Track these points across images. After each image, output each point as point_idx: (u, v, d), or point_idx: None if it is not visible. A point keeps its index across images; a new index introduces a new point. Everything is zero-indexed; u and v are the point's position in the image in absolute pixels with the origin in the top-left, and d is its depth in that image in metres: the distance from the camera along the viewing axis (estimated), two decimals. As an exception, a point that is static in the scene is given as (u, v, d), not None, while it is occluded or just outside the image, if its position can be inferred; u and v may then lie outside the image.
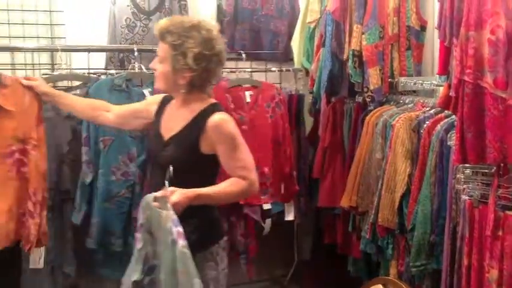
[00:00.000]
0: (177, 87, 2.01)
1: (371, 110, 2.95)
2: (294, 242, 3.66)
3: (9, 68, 2.95)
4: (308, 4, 3.36)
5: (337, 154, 3.15)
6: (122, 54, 3.34)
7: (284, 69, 3.46)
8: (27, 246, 2.28)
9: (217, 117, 1.98)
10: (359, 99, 3.13)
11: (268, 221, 3.14)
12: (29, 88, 2.31)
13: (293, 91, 3.40)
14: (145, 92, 2.77)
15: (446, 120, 2.43)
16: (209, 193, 1.92)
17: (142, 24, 3.38)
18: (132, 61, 3.29)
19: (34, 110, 2.32)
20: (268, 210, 3.08)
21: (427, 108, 2.66)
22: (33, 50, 2.99)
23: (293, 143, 3.19)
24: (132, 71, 2.79)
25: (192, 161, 1.98)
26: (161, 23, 2.00)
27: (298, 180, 3.18)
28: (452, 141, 2.22)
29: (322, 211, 3.32)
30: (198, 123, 1.99)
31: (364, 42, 2.93)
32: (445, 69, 2.36)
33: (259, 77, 3.25)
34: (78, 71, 2.86)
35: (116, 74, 2.82)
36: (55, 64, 3.12)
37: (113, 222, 2.64)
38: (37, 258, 2.46)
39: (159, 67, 2.02)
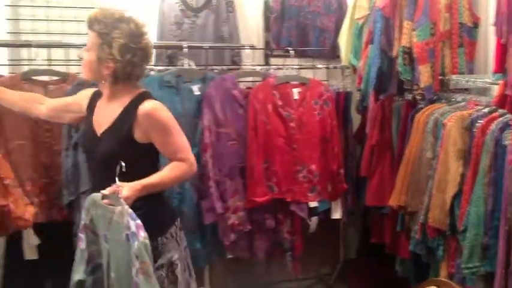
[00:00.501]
0: (101, 77, 2.01)
1: (421, 108, 2.88)
2: (340, 241, 3.63)
3: (63, 64, 3.01)
4: (356, 0, 3.32)
5: (386, 152, 3.10)
6: (170, 51, 3.38)
7: (331, 66, 3.43)
8: None
9: (147, 105, 1.99)
10: (408, 96, 3.07)
11: (315, 219, 3.13)
12: None
13: (340, 88, 3.37)
14: (194, 88, 2.80)
15: (501, 119, 2.36)
16: (154, 182, 1.95)
17: (190, 21, 3.41)
18: (180, 57, 3.35)
19: None
20: (315, 208, 3.07)
21: (481, 107, 2.59)
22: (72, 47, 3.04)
23: (340, 140, 3.16)
24: (181, 67, 2.81)
25: (129, 152, 1.96)
26: (92, 12, 2.01)
27: (346, 178, 3.15)
28: (509, 140, 2.16)
29: (370, 210, 3.28)
30: (129, 114, 1.99)
31: (414, 39, 2.87)
32: (501, 67, 2.29)
33: (305, 74, 3.23)
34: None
35: (165, 70, 2.87)
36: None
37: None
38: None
39: (86, 55, 2.02)
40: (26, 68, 2.81)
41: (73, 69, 2.92)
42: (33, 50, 2.80)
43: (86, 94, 2.19)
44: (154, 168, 2.02)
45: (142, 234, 1.73)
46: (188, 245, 2.75)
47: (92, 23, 1.97)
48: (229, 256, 2.95)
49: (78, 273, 1.93)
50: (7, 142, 2.43)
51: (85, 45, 2.03)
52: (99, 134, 2.03)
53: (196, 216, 2.80)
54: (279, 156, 2.88)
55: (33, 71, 2.58)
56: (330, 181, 3.03)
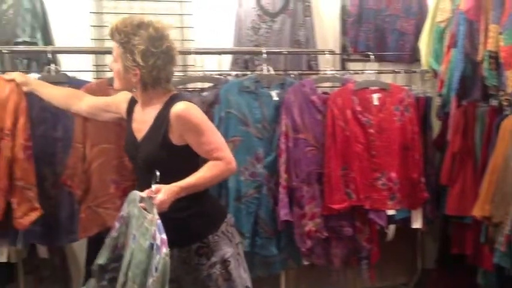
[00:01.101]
0: (131, 85, 2.04)
1: (507, 115, 2.77)
2: (418, 250, 3.53)
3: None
4: (438, 3, 3.23)
5: (468, 160, 2.99)
6: (246, 56, 3.41)
7: (412, 70, 3.35)
8: None
9: (178, 107, 1.99)
10: (494, 103, 2.95)
11: (392, 227, 3.06)
12: (9, 82, 2.41)
13: (420, 93, 3.28)
14: (273, 93, 2.80)
15: None
16: (191, 182, 1.95)
17: (266, 26, 3.43)
18: (256, 63, 3.37)
19: (12, 102, 2.41)
20: (392, 215, 3.00)
21: None
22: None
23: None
24: (260, 72, 2.82)
25: (169, 156, 2.00)
26: (112, 22, 2.02)
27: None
28: None
29: (450, 219, 3.17)
30: (163, 118, 2.01)
31: (501, 43, 2.75)
32: None
33: (383, 79, 3.16)
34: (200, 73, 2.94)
35: (242, 75, 2.89)
36: (186, 65, 3.24)
37: (242, 222, 2.69)
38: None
39: (114, 66, 2.05)
40: (110, 74, 2.90)
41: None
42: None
43: (125, 97, 2.23)
44: (195, 168, 2.03)
45: (165, 250, 1.74)
46: (263, 250, 2.80)
47: (113, 34, 2.00)
48: (306, 263, 2.93)
49: (102, 257, 2.03)
50: (92, 146, 2.51)
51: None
52: (139, 140, 2.08)
53: (272, 221, 2.80)
54: (357, 163, 2.83)
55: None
56: (410, 189, 2.95)
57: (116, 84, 2.08)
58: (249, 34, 3.40)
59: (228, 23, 3.45)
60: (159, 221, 1.78)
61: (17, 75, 2.45)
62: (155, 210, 1.81)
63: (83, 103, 2.35)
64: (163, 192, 1.86)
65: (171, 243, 1.77)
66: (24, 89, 2.42)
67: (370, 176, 2.87)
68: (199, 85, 2.92)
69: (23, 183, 2.41)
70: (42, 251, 2.78)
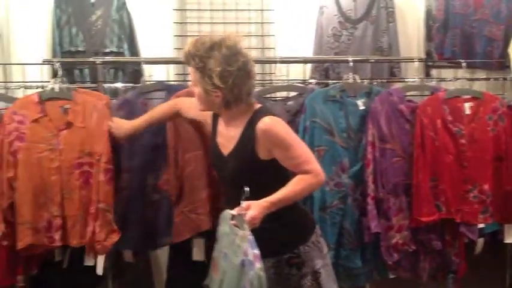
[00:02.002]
0: (215, 106, 2.04)
1: None
2: (507, 264, 3.37)
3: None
4: (530, 7, 3.09)
5: None
6: (326, 64, 3.38)
7: (503, 77, 3.20)
8: (87, 250, 2.53)
9: (263, 122, 1.99)
10: None
11: (481, 240, 2.92)
12: (97, 108, 2.49)
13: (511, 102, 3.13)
14: (359, 102, 2.74)
15: None
16: (281, 197, 1.94)
17: (348, 33, 3.39)
18: (336, 70, 3.33)
19: (101, 128, 2.50)
20: (482, 229, 2.87)
21: None
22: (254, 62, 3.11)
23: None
24: (347, 81, 2.77)
25: (257, 170, 2.01)
26: (185, 47, 2.01)
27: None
28: None
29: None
30: (249, 134, 2.01)
31: None
32: None
33: (470, 86, 3.04)
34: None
35: (323, 83, 2.86)
36: (267, 73, 3.25)
37: (326, 232, 2.65)
38: (99, 264, 2.59)
39: (196, 90, 2.04)
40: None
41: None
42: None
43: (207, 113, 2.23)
44: (284, 181, 2.01)
45: (259, 265, 1.73)
46: (348, 262, 2.75)
47: (187, 59, 2.01)
48: (391, 276, 2.85)
49: (209, 278, 2.07)
50: (185, 152, 2.56)
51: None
52: (225, 155, 2.09)
53: (357, 232, 2.75)
54: (447, 174, 2.73)
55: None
56: (502, 202, 2.81)
57: (200, 107, 2.10)
58: (330, 41, 3.38)
59: (308, 30, 3.44)
60: (250, 237, 1.79)
61: (116, 129, 2.49)
62: (246, 227, 1.82)
63: (182, 111, 2.38)
64: (253, 209, 1.86)
65: (262, 254, 1.77)
66: (124, 134, 2.48)
67: (461, 188, 2.76)
68: (283, 94, 2.91)
69: (104, 205, 2.49)
70: (128, 256, 2.83)
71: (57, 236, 2.50)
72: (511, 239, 2.93)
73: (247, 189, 1.85)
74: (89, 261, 2.66)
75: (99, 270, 2.58)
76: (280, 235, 2.04)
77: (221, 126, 2.15)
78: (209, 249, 2.66)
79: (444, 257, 2.82)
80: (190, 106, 2.33)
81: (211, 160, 2.26)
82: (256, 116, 2.03)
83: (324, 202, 2.68)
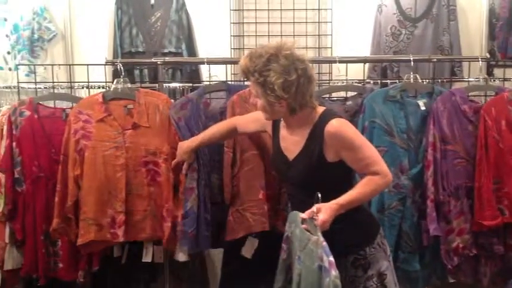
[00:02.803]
0: (280, 114, 2.05)
1: None
2: None
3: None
4: None
5: None
6: (384, 64, 3.33)
7: None
8: (165, 245, 2.63)
9: (331, 125, 1.98)
10: None
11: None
12: (159, 108, 2.57)
13: None
14: (420, 102, 2.69)
15: None
16: (350, 199, 1.94)
17: (407, 32, 3.34)
18: (395, 69, 3.28)
19: (164, 128, 2.58)
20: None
21: None
22: (313, 62, 3.09)
23: None
24: (407, 81, 2.72)
25: (323, 173, 1.99)
26: (241, 62, 2.01)
27: None
28: None
29: None
30: (316, 137, 2.00)
31: None
32: None
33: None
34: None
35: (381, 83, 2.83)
36: (325, 73, 3.24)
37: (386, 235, 2.61)
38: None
39: (259, 101, 2.04)
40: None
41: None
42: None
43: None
44: (350, 183, 2.02)
45: (334, 273, 1.71)
46: (406, 265, 2.70)
47: (246, 75, 2.02)
48: (451, 280, 2.79)
49: (279, 282, 2.05)
50: (242, 152, 2.58)
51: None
52: (290, 159, 2.09)
53: (416, 235, 2.70)
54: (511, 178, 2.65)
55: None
56: None
57: (265, 117, 2.11)
58: (389, 40, 3.33)
59: (365, 29, 3.40)
60: (324, 243, 1.78)
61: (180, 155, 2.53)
62: (319, 232, 1.81)
63: (239, 129, 2.42)
64: (323, 212, 1.86)
65: None
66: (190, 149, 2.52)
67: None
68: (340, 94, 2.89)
69: (172, 204, 2.58)
70: (184, 254, 2.88)
71: (120, 231, 2.58)
72: None
73: (319, 195, 1.86)
74: (147, 258, 2.74)
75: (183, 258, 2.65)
76: (346, 236, 2.03)
77: (284, 131, 2.15)
78: (263, 249, 2.71)
79: (506, 262, 2.74)
80: (247, 121, 2.37)
81: (274, 166, 2.27)
82: (323, 119, 2.03)
83: (383, 204, 2.64)
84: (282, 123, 2.16)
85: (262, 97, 2.00)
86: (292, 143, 2.10)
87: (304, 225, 1.88)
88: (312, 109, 2.05)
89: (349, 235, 2.03)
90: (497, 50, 3.31)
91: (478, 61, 2.73)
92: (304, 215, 1.89)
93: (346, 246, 2.04)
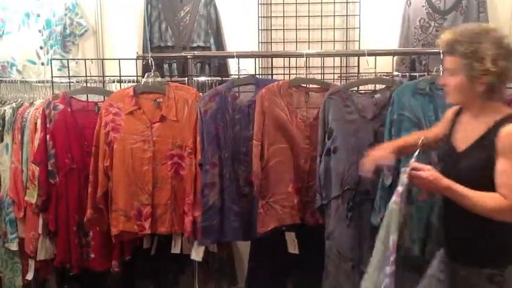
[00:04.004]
0: (474, 96, 1.95)
1: None
2: None
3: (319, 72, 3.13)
4: None
5: None
6: (413, 56, 3.31)
7: None
8: (187, 238, 2.69)
9: (508, 128, 1.88)
10: None
11: None
12: (188, 102, 2.61)
13: None
14: (450, 95, 2.67)
15: None
16: (462, 192, 1.86)
17: (436, 24, 3.30)
18: (423, 62, 3.25)
19: (191, 122, 2.62)
20: None
21: None
22: (341, 55, 3.12)
23: None
24: (437, 73, 2.70)
25: (487, 173, 1.88)
26: (445, 36, 1.95)
27: None
28: None
29: None
30: (493, 135, 1.91)
31: None
32: None
33: None
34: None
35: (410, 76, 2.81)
36: (352, 67, 3.24)
37: (414, 227, 2.61)
38: (197, 252, 2.71)
39: (451, 80, 1.96)
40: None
41: (327, 77, 3.05)
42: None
43: (452, 111, 2.18)
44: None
45: (395, 198, 1.81)
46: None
47: (452, 47, 1.95)
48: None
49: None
50: (270, 145, 2.61)
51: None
52: (458, 151, 2.02)
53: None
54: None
55: (300, 79, 2.72)
56: None
57: (453, 98, 2.04)
58: (418, 33, 3.31)
59: (393, 22, 3.38)
60: (405, 180, 1.88)
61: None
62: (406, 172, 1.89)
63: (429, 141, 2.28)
64: (431, 174, 1.88)
65: (458, 258, 1.88)
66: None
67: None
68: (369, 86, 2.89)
69: (199, 196, 2.63)
70: (212, 246, 2.91)
71: (146, 224, 2.63)
72: None
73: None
74: (175, 249, 2.78)
75: (198, 257, 2.71)
76: (491, 249, 1.96)
77: (463, 120, 2.09)
78: (299, 243, 2.73)
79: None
80: (434, 130, 2.30)
81: (440, 156, 2.21)
82: (506, 119, 1.94)
83: (411, 196, 2.63)
84: (463, 117, 2.09)
85: (464, 72, 1.93)
86: (466, 133, 2.03)
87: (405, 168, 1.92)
88: (502, 106, 1.99)
89: (495, 249, 1.96)
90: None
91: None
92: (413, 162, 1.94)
93: (490, 259, 1.96)
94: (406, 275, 2.59)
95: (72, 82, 3.01)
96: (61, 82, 3.10)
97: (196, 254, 2.71)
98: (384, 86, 2.77)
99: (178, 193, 2.66)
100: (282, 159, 2.61)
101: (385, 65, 3.11)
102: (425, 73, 2.83)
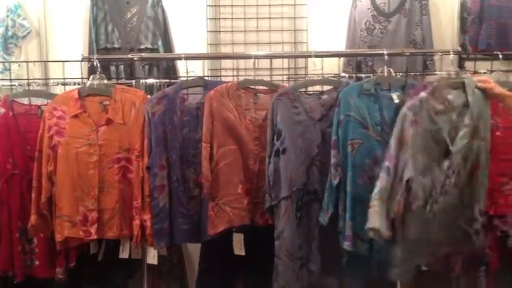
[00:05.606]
0: None
1: None
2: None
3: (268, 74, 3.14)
4: None
5: None
6: (359, 58, 3.37)
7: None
8: (134, 243, 2.64)
9: None
10: None
11: (513, 233, 2.90)
12: (135, 105, 2.58)
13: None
14: (394, 96, 2.73)
15: None
16: None
17: (381, 27, 3.38)
18: (369, 64, 3.32)
19: (139, 125, 2.60)
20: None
21: None
22: (289, 57, 3.14)
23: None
24: (381, 74, 2.76)
25: None
26: None
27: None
28: None
29: None
30: None
31: None
32: None
33: (506, 78, 3.01)
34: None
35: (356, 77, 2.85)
36: (300, 68, 3.27)
37: (361, 225, 2.65)
38: (151, 255, 2.70)
39: None
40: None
41: (276, 78, 3.06)
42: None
43: None
44: None
45: None
46: (382, 254, 2.73)
47: None
48: (424, 268, 2.84)
49: None
50: (219, 146, 2.60)
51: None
52: None
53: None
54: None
55: (248, 80, 2.72)
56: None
57: None
58: (363, 35, 3.38)
59: (340, 24, 3.44)
60: None
61: None
62: None
63: None
64: None
65: None
66: None
67: (496, 181, 2.73)
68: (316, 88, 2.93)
69: (148, 200, 2.59)
70: (162, 249, 2.88)
71: (93, 229, 2.58)
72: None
73: None
74: (123, 254, 2.74)
75: (153, 260, 2.68)
76: None
77: None
78: (249, 244, 2.74)
79: (477, 250, 2.79)
80: None
81: None
82: None
83: (357, 195, 2.67)
84: None
85: None
86: None
87: None
88: None
89: None
90: (469, 43, 3.37)
91: (450, 54, 2.78)
92: None
93: None
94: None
95: (15, 85, 2.92)
96: (3, 85, 3.00)
97: (151, 257, 2.69)
98: (331, 87, 2.82)
99: (126, 197, 2.62)
100: (231, 161, 2.61)
101: (333, 66, 3.16)
102: (371, 74, 2.89)
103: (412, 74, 3.00)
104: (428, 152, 2.47)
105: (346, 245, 2.62)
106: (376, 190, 2.48)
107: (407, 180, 2.45)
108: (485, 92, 2.45)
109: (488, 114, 2.50)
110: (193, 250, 3.19)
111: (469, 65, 3.39)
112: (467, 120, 2.45)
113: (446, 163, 2.45)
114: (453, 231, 2.58)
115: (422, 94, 2.50)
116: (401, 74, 2.91)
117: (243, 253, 2.71)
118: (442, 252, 2.76)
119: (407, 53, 2.89)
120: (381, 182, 2.47)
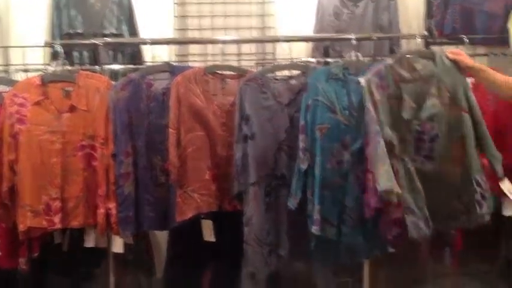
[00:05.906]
0: None
1: None
2: (502, 238, 3.41)
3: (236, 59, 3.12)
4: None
5: None
6: (327, 43, 3.37)
7: (504, 53, 3.21)
8: (99, 232, 2.59)
9: None
10: None
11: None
12: (100, 91, 2.54)
13: (510, 77, 3.14)
14: (361, 80, 2.74)
15: None
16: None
17: (348, 11, 3.39)
18: (337, 49, 3.33)
19: (103, 112, 2.55)
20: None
21: None
22: (257, 41, 3.12)
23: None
24: (349, 59, 2.77)
25: None
26: None
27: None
28: None
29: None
30: None
31: None
32: None
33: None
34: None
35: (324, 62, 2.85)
36: (269, 53, 3.25)
37: (328, 210, 2.66)
38: (117, 244, 2.67)
39: None
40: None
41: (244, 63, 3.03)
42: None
43: None
44: None
45: None
46: (349, 238, 2.75)
47: None
48: (391, 250, 2.87)
49: None
50: (186, 132, 2.57)
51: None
52: None
53: (359, 209, 2.70)
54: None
55: (216, 66, 2.70)
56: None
57: None
58: (331, 20, 3.38)
59: (308, 9, 3.43)
60: None
61: None
62: None
63: None
64: None
65: None
66: None
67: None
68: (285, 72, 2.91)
69: (113, 187, 2.55)
70: (128, 238, 2.85)
71: (56, 218, 2.53)
72: (509, 212, 2.96)
73: None
74: (89, 243, 2.70)
75: (119, 249, 2.64)
76: None
77: None
78: (218, 230, 2.72)
79: (440, 232, 2.84)
80: None
81: None
82: None
83: (325, 180, 2.68)
84: None
85: None
86: None
87: None
88: None
89: None
90: (435, 27, 3.40)
91: (416, 39, 2.81)
92: None
93: None
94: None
95: (-26, 72, 2.84)
96: (-38, 73, 2.91)
97: (117, 246, 2.66)
98: (299, 72, 2.82)
99: (91, 185, 2.57)
100: (199, 147, 2.58)
101: (302, 51, 3.16)
102: (339, 59, 2.89)
103: (379, 58, 3.00)
104: (395, 117, 2.49)
105: (315, 229, 2.62)
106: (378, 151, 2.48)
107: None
108: (457, 64, 2.47)
109: (466, 85, 2.50)
110: (161, 238, 3.17)
111: (435, 49, 3.44)
112: (434, 90, 2.47)
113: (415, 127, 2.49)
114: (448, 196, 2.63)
115: (388, 61, 2.51)
116: (368, 58, 2.91)
117: (213, 239, 2.69)
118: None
119: (375, 38, 2.90)
120: (380, 147, 2.48)
